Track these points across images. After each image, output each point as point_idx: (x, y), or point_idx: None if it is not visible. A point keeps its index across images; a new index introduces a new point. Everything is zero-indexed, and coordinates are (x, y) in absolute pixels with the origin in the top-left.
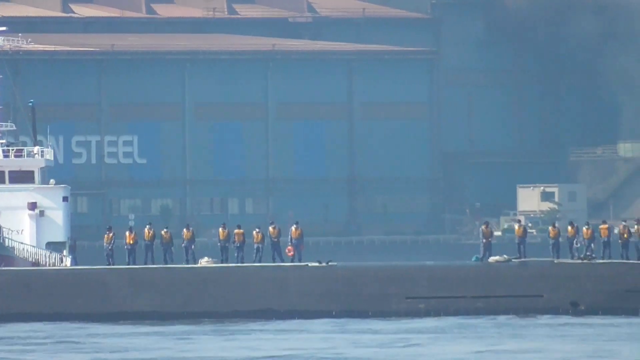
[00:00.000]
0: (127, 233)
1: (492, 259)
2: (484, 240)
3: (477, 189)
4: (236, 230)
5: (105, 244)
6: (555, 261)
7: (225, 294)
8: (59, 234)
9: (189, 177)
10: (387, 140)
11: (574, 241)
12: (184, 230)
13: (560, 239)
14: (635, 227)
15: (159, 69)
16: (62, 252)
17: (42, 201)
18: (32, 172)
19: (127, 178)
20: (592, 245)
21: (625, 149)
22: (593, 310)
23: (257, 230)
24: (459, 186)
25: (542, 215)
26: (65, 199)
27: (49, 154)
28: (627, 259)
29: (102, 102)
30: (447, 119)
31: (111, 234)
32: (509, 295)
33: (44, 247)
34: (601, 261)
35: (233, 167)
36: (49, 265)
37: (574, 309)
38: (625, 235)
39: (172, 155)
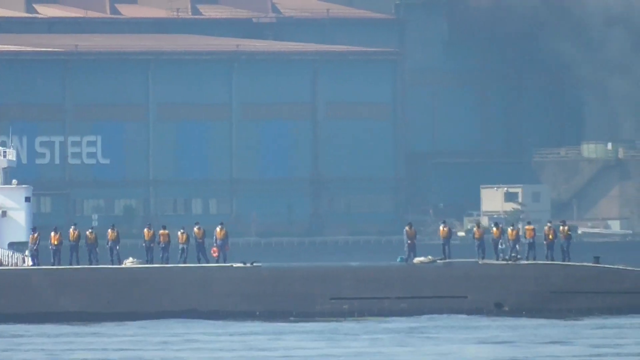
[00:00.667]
0: (52, 234)
1: (416, 259)
2: (409, 242)
3: (441, 189)
4: (161, 231)
5: (30, 244)
6: (480, 262)
7: (149, 294)
8: (21, 234)
9: (153, 178)
10: (351, 140)
11: (499, 242)
12: (109, 230)
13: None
14: (561, 228)
15: (123, 70)
16: (25, 252)
17: (5, 201)
18: None
19: (90, 178)
20: (517, 246)
21: (589, 149)
22: (517, 312)
23: (182, 230)
24: (422, 186)
25: (505, 216)
26: (27, 199)
27: (11, 154)
28: (552, 260)
29: (66, 102)
30: (411, 119)
31: (36, 234)
32: (433, 296)
33: (6, 247)
34: (526, 262)
35: (197, 167)
36: (11, 265)
37: (498, 310)
38: (551, 237)
39: (135, 155)
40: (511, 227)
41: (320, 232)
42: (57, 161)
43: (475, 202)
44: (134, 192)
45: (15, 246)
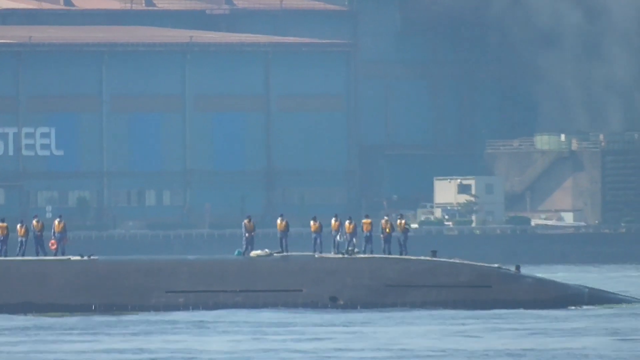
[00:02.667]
0: None
1: (253, 253)
2: (247, 235)
3: (394, 181)
4: None
5: None
6: (316, 255)
7: None
8: None
9: (106, 169)
10: (304, 132)
11: (337, 235)
12: None
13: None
14: (398, 221)
15: (77, 61)
16: None
17: None
18: None
19: (44, 170)
20: (354, 239)
21: (542, 141)
22: (352, 305)
23: (21, 224)
24: (375, 178)
25: (459, 208)
26: None
27: None
28: (389, 253)
29: (20, 93)
30: (364, 111)
31: None
32: (269, 289)
33: None
34: (362, 256)
35: (150, 159)
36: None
37: (333, 303)
38: (388, 230)
39: (89, 147)
40: (348, 221)
41: (274, 224)
42: (11, 152)
43: (428, 194)
44: (87, 183)
45: None
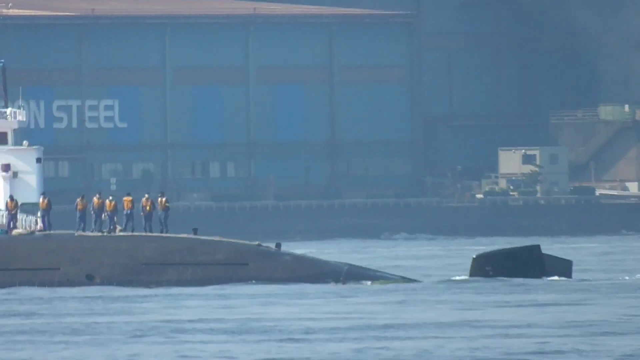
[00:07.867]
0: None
1: (15, 231)
2: (6, 212)
3: (458, 152)
4: None
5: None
6: (76, 234)
7: None
8: (32, 196)
9: (170, 141)
10: (367, 103)
11: (102, 214)
12: None
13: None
14: (160, 199)
15: (140, 33)
16: (37, 215)
17: (16, 163)
18: (5, 134)
19: (108, 142)
20: (115, 217)
21: (605, 111)
22: (108, 283)
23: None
24: (439, 149)
25: (523, 178)
26: (38, 160)
27: (22, 115)
28: (150, 231)
29: (83, 66)
30: (427, 82)
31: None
32: (27, 268)
33: (19, 210)
34: (122, 234)
35: (214, 131)
36: (23, 228)
37: (90, 281)
38: (148, 208)
39: (153, 119)
40: (109, 199)
41: (338, 195)
42: (74, 125)
43: (493, 165)
44: (151, 155)
45: (26, 207)
